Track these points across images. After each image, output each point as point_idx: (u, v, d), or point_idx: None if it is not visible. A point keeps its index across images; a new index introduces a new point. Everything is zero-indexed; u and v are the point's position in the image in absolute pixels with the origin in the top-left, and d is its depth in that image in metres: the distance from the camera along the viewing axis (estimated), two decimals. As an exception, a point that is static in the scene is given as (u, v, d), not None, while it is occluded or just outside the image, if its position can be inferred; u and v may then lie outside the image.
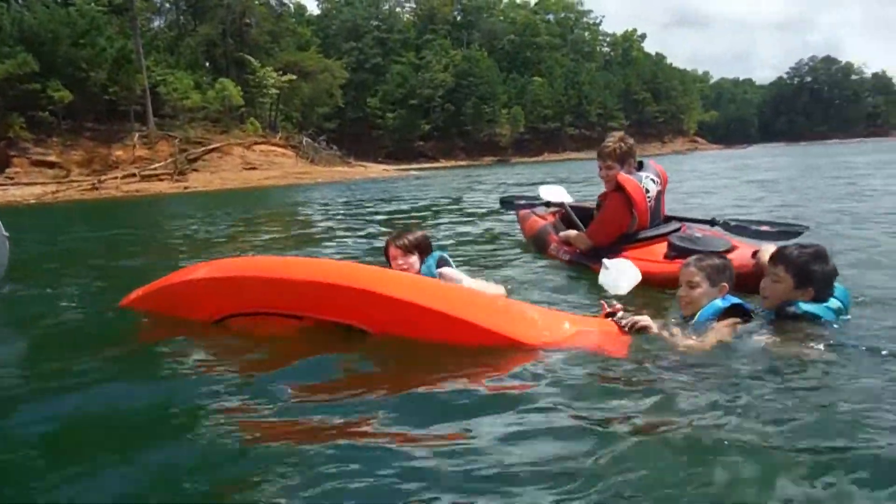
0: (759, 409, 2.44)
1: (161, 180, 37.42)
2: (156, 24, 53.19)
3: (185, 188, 35.81)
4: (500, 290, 3.99)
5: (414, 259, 3.98)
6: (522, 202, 7.29)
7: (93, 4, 40.98)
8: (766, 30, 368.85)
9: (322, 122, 62.19)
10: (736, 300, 3.36)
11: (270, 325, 3.73)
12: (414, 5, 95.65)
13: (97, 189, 34.86)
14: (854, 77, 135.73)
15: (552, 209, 6.67)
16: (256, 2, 52.63)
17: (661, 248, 4.87)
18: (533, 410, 2.56)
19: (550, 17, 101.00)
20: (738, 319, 3.30)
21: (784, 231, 5.03)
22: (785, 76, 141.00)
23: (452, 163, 75.80)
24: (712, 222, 5.40)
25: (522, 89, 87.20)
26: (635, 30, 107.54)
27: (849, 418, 2.33)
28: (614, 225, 5.10)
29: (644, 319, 3.23)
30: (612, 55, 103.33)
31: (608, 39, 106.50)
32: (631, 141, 5.17)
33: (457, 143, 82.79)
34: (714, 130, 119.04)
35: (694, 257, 3.56)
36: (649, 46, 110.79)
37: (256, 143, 44.23)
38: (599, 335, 3.28)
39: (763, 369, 2.82)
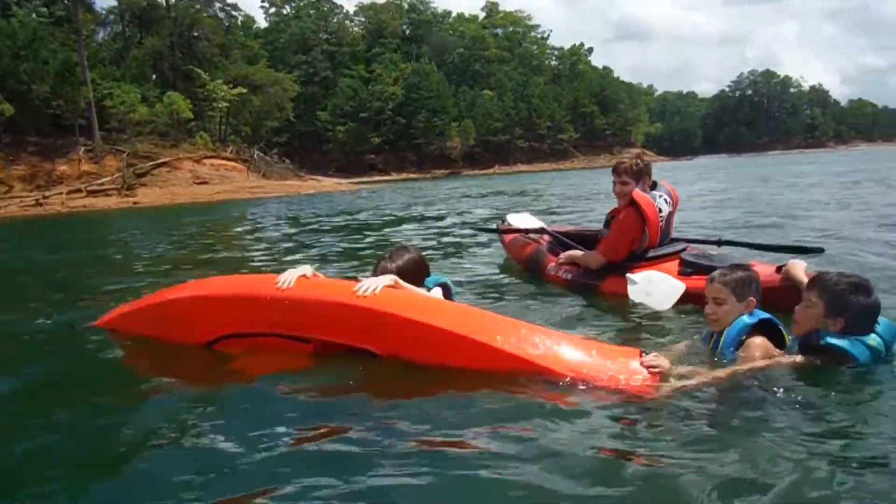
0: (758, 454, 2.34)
1: (108, 195, 36.43)
2: (100, 35, 52.03)
3: (135, 203, 34.92)
4: None
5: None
6: (505, 227, 7.15)
7: (34, 16, 39.89)
8: (705, 44, 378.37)
9: (271, 135, 61.58)
10: (764, 315, 3.26)
11: (269, 347, 3.61)
12: (363, 19, 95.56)
13: (41, 205, 33.77)
14: (793, 90, 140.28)
15: (532, 236, 6.53)
16: (205, 14, 51.90)
17: (672, 266, 4.88)
18: (545, 439, 2.53)
19: (499, 31, 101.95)
20: (762, 341, 3.19)
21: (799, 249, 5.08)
22: (727, 89, 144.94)
23: (403, 175, 75.81)
24: (718, 243, 5.44)
25: (472, 102, 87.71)
26: (582, 44, 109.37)
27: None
28: (627, 240, 5.08)
29: (660, 363, 3.06)
30: (561, 69, 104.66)
31: (556, 53, 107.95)
32: (647, 160, 5.23)
33: (407, 156, 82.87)
34: (659, 142, 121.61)
35: (718, 272, 3.41)
36: (595, 61, 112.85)
37: (207, 158, 43.45)
38: (621, 365, 3.11)
39: (772, 407, 2.72)
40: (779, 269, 4.18)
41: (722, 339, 3.28)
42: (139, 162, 39.89)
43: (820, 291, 3.12)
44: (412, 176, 75.09)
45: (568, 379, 3.01)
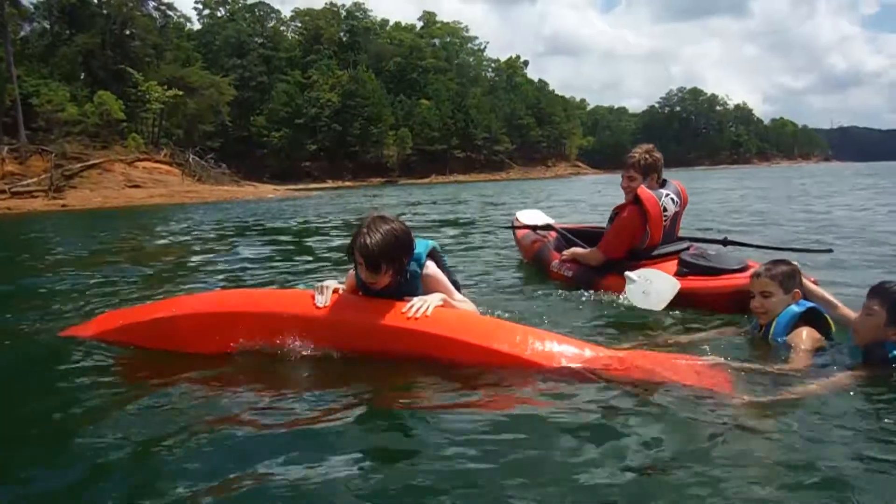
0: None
1: (34, 197, 34.79)
2: (26, 30, 49.79)
3: (63, 206, 33.44)
4: (471, 306, 3.58)
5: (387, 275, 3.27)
6: (520, 224, 7.13)
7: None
8: (633, 61, 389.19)
9: (204, 139, 60.01)
10: (810, 304, 3.41)
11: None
12: (299, 24, 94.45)
13: (-40, 206, 32.08)
14: (718, 108, 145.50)
15: (540, 233, 6.57)
16: (138, 12, 50.28)
17: (671, 266, 4.81)
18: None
19: (436, 41, 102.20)
20: (809, 331, 3.29)
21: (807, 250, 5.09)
22: (657, 105, 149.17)
23: (339, 183, 75.11)
24: (724, 242, 5.41)
25: (410, 111, 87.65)
26: (518, 56, 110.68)
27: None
28: (627, 237, 5.00)
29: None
30: (497, 81, 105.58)
31: (493, 65, 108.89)
32: (658, 154, 5.06)
33: (344, 163, 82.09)
34: (591, 156, 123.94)
35: (763, 266, 3.56)
36: (529, 74, 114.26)
37: (139, 160, 42.07)
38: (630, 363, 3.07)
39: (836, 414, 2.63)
40: None
41: (772, 327, 3.39)
42: (68, 163, 38.31)
43: (882, 300, 3.07)
44: (348, 184, 74.52)
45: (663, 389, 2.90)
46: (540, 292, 5.19)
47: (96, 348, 3.74)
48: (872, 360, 3.06)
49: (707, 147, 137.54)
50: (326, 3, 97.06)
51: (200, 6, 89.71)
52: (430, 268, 3.42)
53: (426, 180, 79.75)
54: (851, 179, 34.05)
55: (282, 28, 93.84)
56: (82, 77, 47.43)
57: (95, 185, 37.99)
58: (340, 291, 3.48)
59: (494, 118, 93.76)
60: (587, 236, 5.84)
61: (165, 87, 46.99)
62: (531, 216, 7.04)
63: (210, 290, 6.41)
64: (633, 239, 4.99)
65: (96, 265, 9.19)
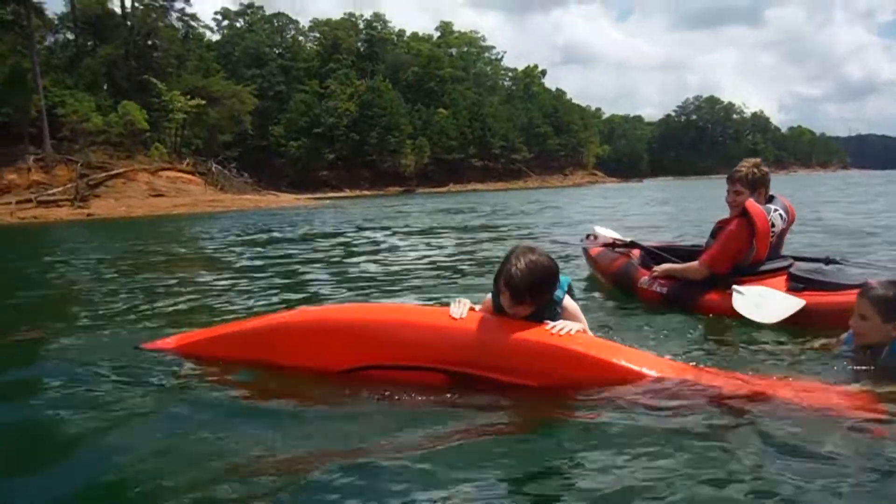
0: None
1: (60, 206, 35.11)
2: (49, 41, 50.28)
3: (88, 215, 33.68)
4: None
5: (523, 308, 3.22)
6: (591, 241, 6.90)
7: (-19, 20, 38.40)
8: (648, 70, 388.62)
9: (223, 149, 60.27)
10: None
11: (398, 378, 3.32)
12: (318, 35, 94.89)
13: (-13, 214, 32.35)
14: (735, 116, 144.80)
15: (619, 250, 6.29)
16: (161, 23, 50.67)
17: (779, 282, 4.67)
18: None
19: (453, 51, 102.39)
20: None
21: None
22: (673, 114, 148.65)
23: (356, 192, 75.22)
24: (826, 261, 5.24)
25: (427, 120, 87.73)
26: (536, 65, 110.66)
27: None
28: (733, 250, 4.85)
29: None
30: (514, 89, 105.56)
31: (510, 74, 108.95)
32: (765, 169, 4.94)
33: (361, 172, 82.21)
34: (606, 164, 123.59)
35: (871, 287, 3.30)
36: (545, 83, 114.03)
37: (163, 170, 42.35)
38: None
39: None
40: None
41: (883, 356, 3.17)
42: (92, 172, 38.63)
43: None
44: (365, 193, 74.60)
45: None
46: (634, 310, 5.07)
47: (201, 362, 3.73)
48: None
49: (724, 155, 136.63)
50: (345, 14, 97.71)
51: (220, 17, 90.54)
52: (569, 300, 3.35)
53: (444, 189, 79.69)
54: (883, 187, 33.72)
55: (300, 38, 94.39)
56: (105, 87, 47.74)
57: (119, 194, 38.27)
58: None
59: (512, 127, 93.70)
60: (675, 253, 5.67)
61: (188, 96, 47.28)
62: (608, 233, 6.81)
63: (302, 299, 6.34)
64: (740, 253, 4.85)
65: (160, 272, 9.17)
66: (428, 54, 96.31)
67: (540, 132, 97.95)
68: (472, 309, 3.34)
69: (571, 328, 3.14)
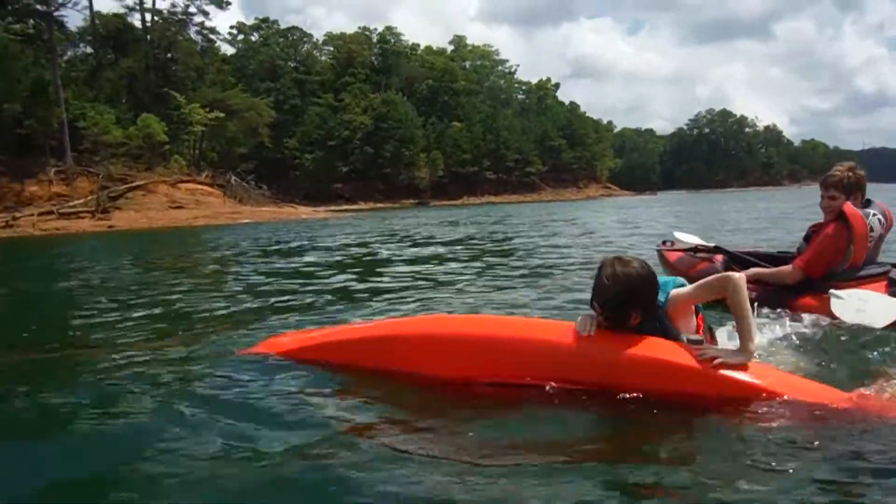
0: None
1: (81, 218, 35.22)
2: (69, 54, 50.64)
3: (110, 227, 33.75)
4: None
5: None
6: (673, 246, 6.74)
7: (5, 33, 38.56)
8: (658, 83, 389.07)
9: (239, 161, 60.36)
10: None
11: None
12: (332, 48, 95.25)
13: (11, 227, 32.42)
14: (748, 129, 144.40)
15: (702, 255, 6.16)
16: (181, 37, 50.95)
17: (879, 287, 4.52)
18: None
19: (467, 64, 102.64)
20: None
21: None
22: (685, 127, 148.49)
23: (371, 205, 75.13)
24: None
25: (441, 133, 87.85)
26: (549, 79, 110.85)
27: None
28: (829, 255, 4.69)
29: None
30: (528, 102, 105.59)
31: (523, 87, 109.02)
32: (861, 172, 4.79)
33: (376, 185, 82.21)
34: (619, 177, 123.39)
35: None
36: (557, 96, 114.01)
37: (182, 182, 42.44)
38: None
39: None
40: None
41: None
42: (112, 184, 38.74)
43: None
44: (380, 205, 74.52)
45: None
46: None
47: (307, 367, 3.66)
48: None
49: (736, 168, 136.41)
50: (359, 28, 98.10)
51: (235, 31, 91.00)
52: (676, 291, 3.17)
53: (458, 202, 79.65)
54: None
55: (314, 52, 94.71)
56: (125, 100, 47.98)
57: (140, 206, 38.34)
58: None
59: (526, 140, 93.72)
60: (761, 259, 5.53)
61: (207, 109, 47.45)
62: (689, 238, 6.65)
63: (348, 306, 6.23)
64: (836, 257, 4.69)
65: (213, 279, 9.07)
66: (442, 67, 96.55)
67: (554, 145, 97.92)
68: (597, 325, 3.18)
69: (725, 360, 2.98)
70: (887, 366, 3.47)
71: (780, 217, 22.28)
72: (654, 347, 3.04)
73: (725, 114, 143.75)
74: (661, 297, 3.11)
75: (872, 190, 4.91)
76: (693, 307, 3.25)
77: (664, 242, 6.88)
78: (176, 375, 3.77)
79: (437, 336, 3.48)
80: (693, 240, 6.57)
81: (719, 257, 5.94)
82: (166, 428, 2.89)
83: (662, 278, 3.22)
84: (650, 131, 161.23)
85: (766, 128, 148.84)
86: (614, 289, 2.98)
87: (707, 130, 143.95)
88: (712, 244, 6.23)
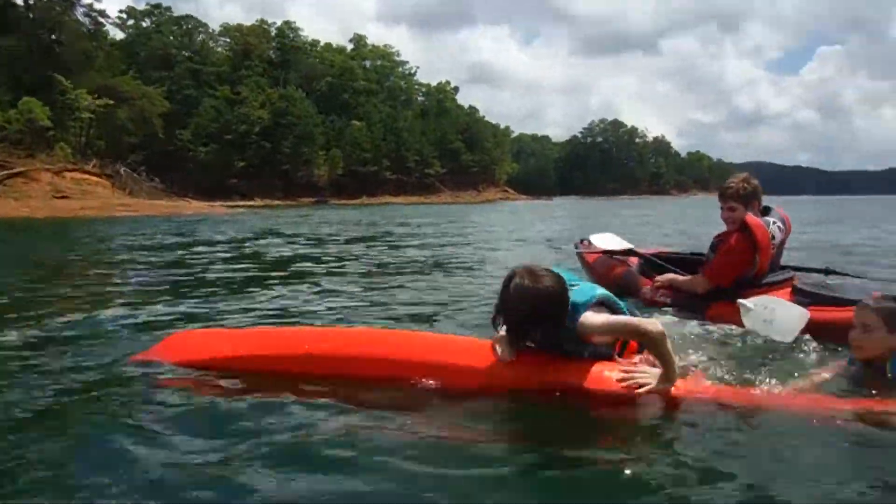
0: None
1: (-48, 205, 32.66)
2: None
3: (-14, 215, 31.44)
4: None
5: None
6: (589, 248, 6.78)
7: None
8: (553, 92, 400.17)
9: (128, 151, 57.53)
10: None
11: None
12: (228, 40, 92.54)
13: None
14: (638, 140, 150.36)
15: (618, 257, 6.24)
16: (67, 17, 48.06)
17: (784, 294, 4.61)
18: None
19: (367, 63, 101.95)
20: None
21: None
22: (579, 135, 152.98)
23: (268, 202, 73.37)
24: (825, 271, 5.30)
25: (341, 132, 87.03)
26: (448, 82, 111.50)
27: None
28: (735, 265, 4.80)
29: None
30: (428, 105, 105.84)
31: (423, 90, 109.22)
32: (755, 182, 4.91)
33: (273, 182, 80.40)
34: (516, 182, 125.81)
35: (873, 298, 3.24)
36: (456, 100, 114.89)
37: (68, 170, 40.04)
38: None
39: None
40: None
41: (889, 373, 3.06)
42: (-11, 171, 36.15)
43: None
44: (277, 202, 72.91)
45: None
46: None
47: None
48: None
49: (627, 177, 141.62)
50: (257, 21, 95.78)
51: (125, 15, 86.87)
52: (588, 318, 2.95)
53: (357, 201, 79.13)
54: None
55: (210, 43, 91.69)
56: (5, 82, 44.80)
57: (20, 194, 35.91)
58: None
59: (426, 141, 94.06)
60: (674, 261, 5.63)
61: (95, 95, 45.02)
62: (606, 240, 6.70)
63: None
64: (743, 267, 4.80)
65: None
66: (342, 66, 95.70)
67: (453, 148, 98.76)
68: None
69: (646, 386, 2.95)
70: (797, 368, 3.58)
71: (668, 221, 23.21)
72: (575, 371, 3.02)
73: (617, 124, 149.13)
74: (575, 315, 2.98)
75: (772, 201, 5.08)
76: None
77: (582, 241, 6.93)
78: (61, 387, 3.36)
79: (356, 353, 3.36)
80: (609, 241, 6.62)
81: (634, 260, 6.05)
82: (52, 448, 2.57)
83: (581, 288, 3.09)
84: (546, 138, 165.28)
85: (655, 139, 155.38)
86: (520, 303, 2.87)
87: (600, 139, 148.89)
88: (627, 247, 6.31)
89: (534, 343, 3.08)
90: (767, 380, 3.21)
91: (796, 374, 3.36)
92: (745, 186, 4.82)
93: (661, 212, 34.03)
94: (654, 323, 2.96)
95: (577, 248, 7.00)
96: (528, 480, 2.36)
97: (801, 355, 3.84)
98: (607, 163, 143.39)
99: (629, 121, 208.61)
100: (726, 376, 3.30)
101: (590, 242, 6.75)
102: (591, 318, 2.93)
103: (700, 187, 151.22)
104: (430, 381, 3.10)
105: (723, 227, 5.00)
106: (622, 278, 5.85)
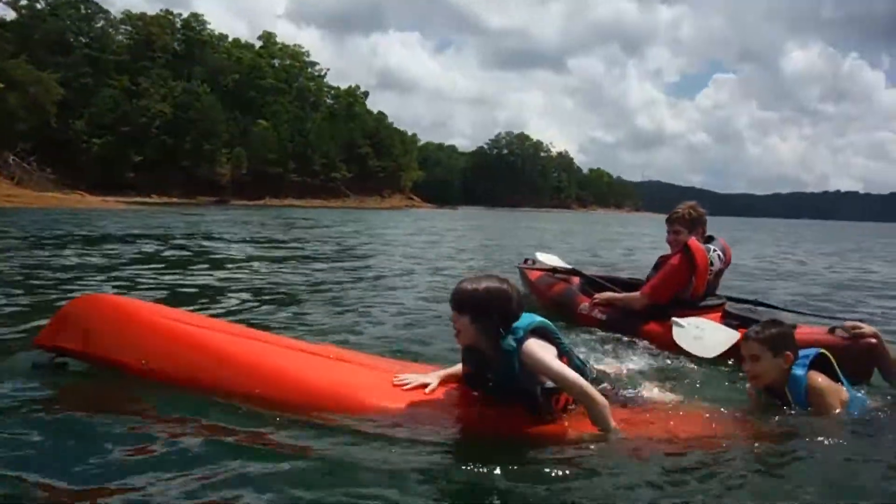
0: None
1: None
2: None
3: None
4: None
5: (464, 320, 2.94)
6: (534, 266, 7.02)
7: None
8: (461, 102, 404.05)
9: (18, 140, 54.14)
10: (806, 358, 3.29)
11: None
12: (130, 28, 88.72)
13: None
14: (543, 154, 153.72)
15: (560, 276, 6.51)
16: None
17: (715, 318, 4.95)
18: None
19: (276, 62, 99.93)
20: (824, 381, 3.25)
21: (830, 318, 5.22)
22: (485, 146, 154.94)
23: (165, 199, 70.64)
24: (755, 303, 5.55)
25: (246, 130, 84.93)
26: (358, 86, 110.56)
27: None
28: (674, 283, 5.10)
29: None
30: (337, 108, 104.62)
31: (332, 92, 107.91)
32: (702, 210, 5.28)
33: (172, 178, 77.48)
34: (421, 190, 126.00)
35: (752, 329, 3.42)
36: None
37: (-52, 157, 37.55)
38: None
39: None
40: (831, 331, 4.25)
41: (789, 396, 3.27)
42: None
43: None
44: (174, 200, 70.27)
45: None
46: (575, 336, 5.02)
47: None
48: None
49: (531, 190, 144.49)
50: (160, 10, 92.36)
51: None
52: (531, 346, 2.87)
53: (260, 202, 77.42)
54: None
55: (110, 30, 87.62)
56: None
57: None
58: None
59: (333, 145, 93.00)
60: (615, 283, 5.91)
61: (-17, 78, 42.46)
62: (549, 259, 6.97)
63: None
64: (679, 286, 5.09)
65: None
66: (249, 63, 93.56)
67: (360, 152, 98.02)
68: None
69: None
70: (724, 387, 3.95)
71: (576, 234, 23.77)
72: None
73: (523, 137, 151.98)
74: (510, 341, 2.90)
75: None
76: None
77: (526, 261, 7.18)
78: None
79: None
80: (553, 261, 6.90)
81: (576, 279, 6.29)
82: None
83: (527, 316, 3.01)
84: (452, 147, 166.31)
85: (559, 154, 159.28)
86: (461, 286, 2.97)
87: (506, 151, 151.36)
88: (570, 266, 6.57)
89: (490, 384, 3.01)
90: (683, 396, 3.52)
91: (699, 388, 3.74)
92: (691, 213, 5.21)
93: (565, 228, 34.85)
94: (598, 394, 2.91)
95: (518, 266, 7.25)
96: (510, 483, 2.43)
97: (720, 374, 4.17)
98: (512, 175, 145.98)
99: (535, 135, 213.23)
100: (651, 385, 3.57)
101: (534, 261, 7.06)
102: (539, 350, 2.85)
103: (600, 203, 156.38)
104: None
105: (663, 250, 5.34)
106: (562, 295, 6.12)
